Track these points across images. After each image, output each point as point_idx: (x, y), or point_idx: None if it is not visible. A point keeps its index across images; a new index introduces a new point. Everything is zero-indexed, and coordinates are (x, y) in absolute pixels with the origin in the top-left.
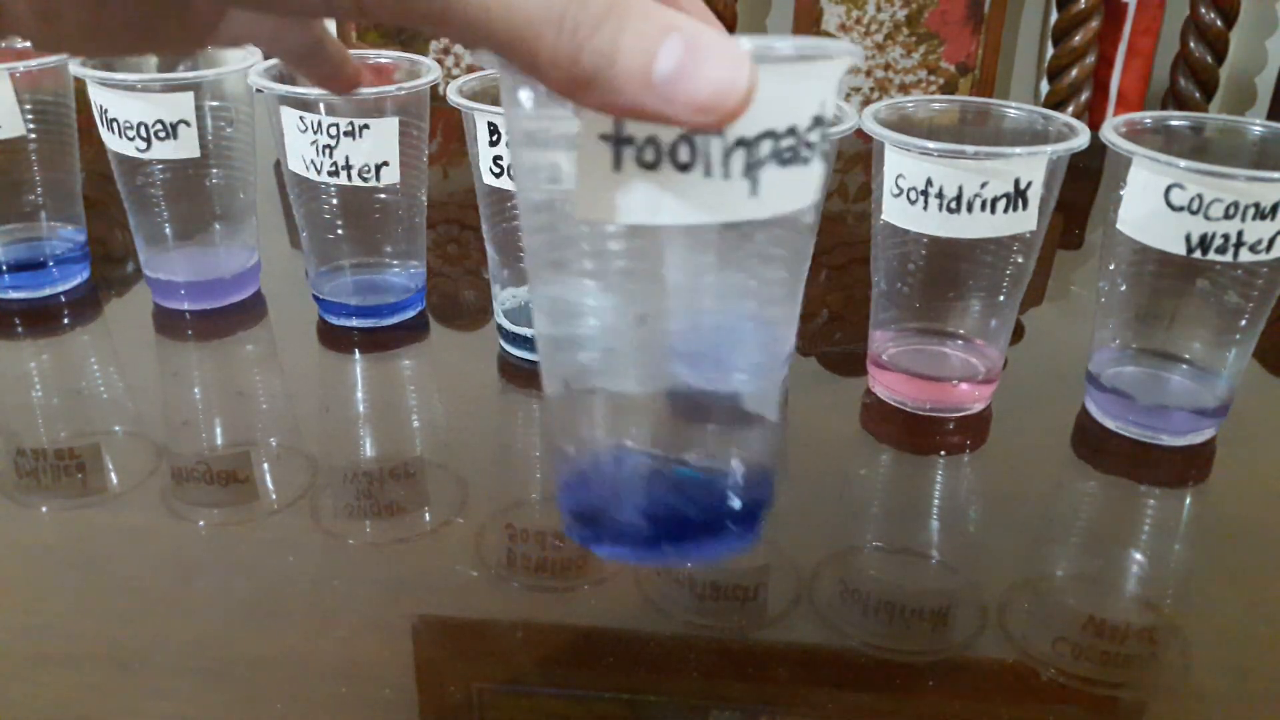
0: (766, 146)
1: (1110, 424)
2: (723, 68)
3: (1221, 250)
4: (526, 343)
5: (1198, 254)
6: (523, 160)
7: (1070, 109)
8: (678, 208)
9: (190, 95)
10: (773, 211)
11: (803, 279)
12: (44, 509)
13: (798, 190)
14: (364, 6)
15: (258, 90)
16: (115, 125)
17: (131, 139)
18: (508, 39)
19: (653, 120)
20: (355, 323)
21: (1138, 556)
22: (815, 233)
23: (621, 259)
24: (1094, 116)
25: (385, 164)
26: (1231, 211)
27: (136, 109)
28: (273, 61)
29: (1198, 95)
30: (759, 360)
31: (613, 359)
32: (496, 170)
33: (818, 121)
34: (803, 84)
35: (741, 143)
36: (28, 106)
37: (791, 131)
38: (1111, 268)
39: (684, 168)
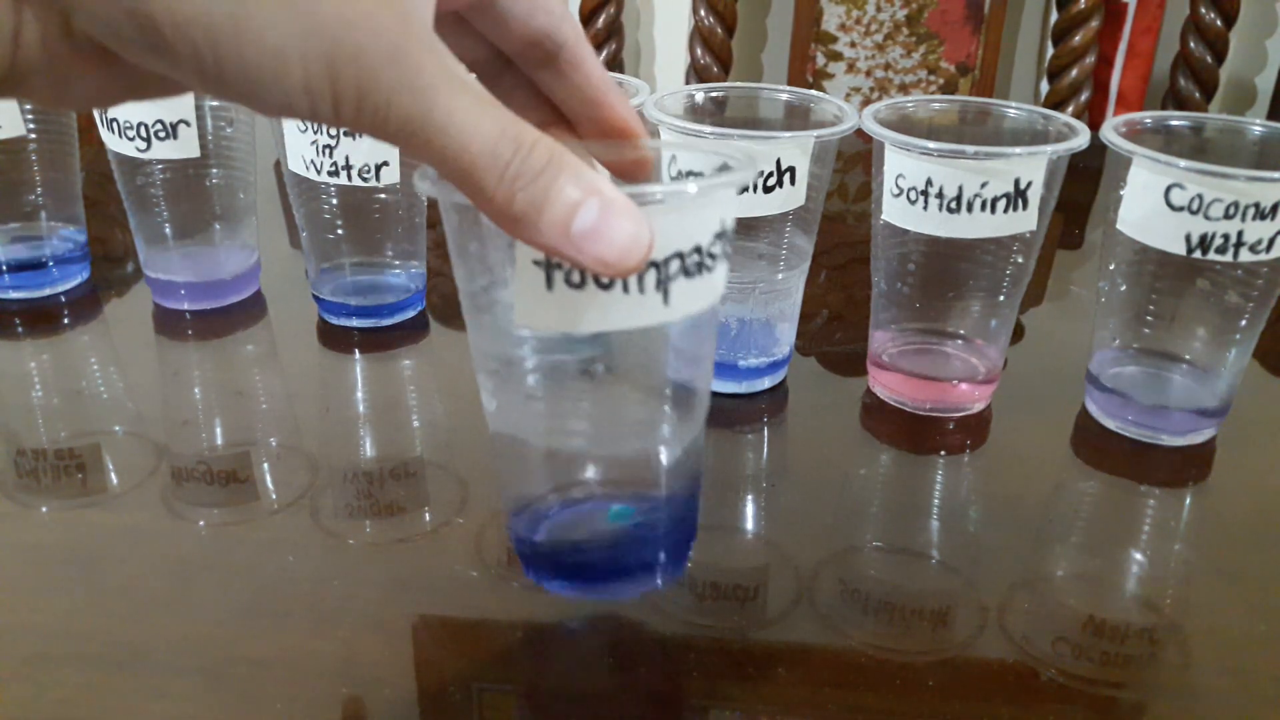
0: (675, 265)
1: (1110, 424)
2: (627, 234)
3: (1221, 250)
4: None
5: (1198, 254)
6: (461, 258)
7: (1070, 109)
8: (601, 318)
9: (190, 95)
10: (682, 314)
11: (709, 361)
12: (44, 509)
13: (704, 294)
14: (343, 118)
15: None
16: (115, 125)
17: (131, 139)
18: (459, 172)
19: (566, 262)
20: (355, 323)
21: (1138, 556)
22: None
23: (534, 362)
24: (1094, 116)
25: (385, 164)
26: (1231, 211)
27: (136, 109)
28: None
29: (1198, 95)
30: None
31: (535, 432)
32: None
33: (720, 235)
34: (705, 211)
35: (653, 264)
36: (28, 106)
37: (696, 250)
38: (1111, 268)
39: (605, 287)
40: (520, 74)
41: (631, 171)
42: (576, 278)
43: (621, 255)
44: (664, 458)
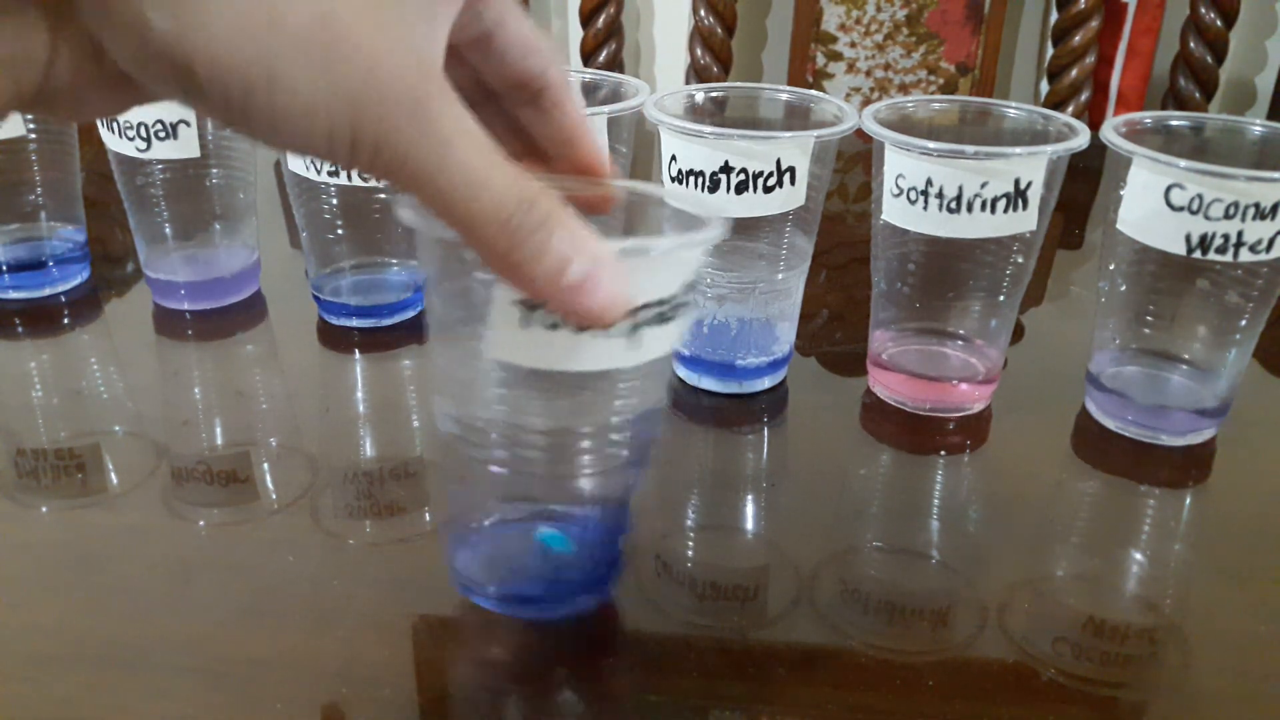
0: (645, 313)
1: (1110, 424)
2: (610, 291)
3: (1221, 250)
4: None
5: (1198, 254)
6: (439, 290)
7: (1070, 109)
8: (572, 357)
9: None
10: (648, 358)
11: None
12: (44, 509)
13: (666, 339)
14: (358, 163)
15: None
16: (115, 125)
17: (131, 139)
18: (464, 221)
19: (553, 309)
20: (355, 323)
21: (1138, 556)
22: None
23: (497, 392)
24: (1094, 116)
25: None
26: (1231, 211)
27: (137, 109)
28: None
29: (1198, 95)
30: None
31: (487, 456)
32: None
33: (688, 287)
34: (674, 268)
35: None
36: None
37: (664, 301)
38: (1111, 268)
39: (580, 329)
40: (500, 107)
41: (595, 206)
42: (553, 319)
43: (604, 310)
44: (604, 490)
